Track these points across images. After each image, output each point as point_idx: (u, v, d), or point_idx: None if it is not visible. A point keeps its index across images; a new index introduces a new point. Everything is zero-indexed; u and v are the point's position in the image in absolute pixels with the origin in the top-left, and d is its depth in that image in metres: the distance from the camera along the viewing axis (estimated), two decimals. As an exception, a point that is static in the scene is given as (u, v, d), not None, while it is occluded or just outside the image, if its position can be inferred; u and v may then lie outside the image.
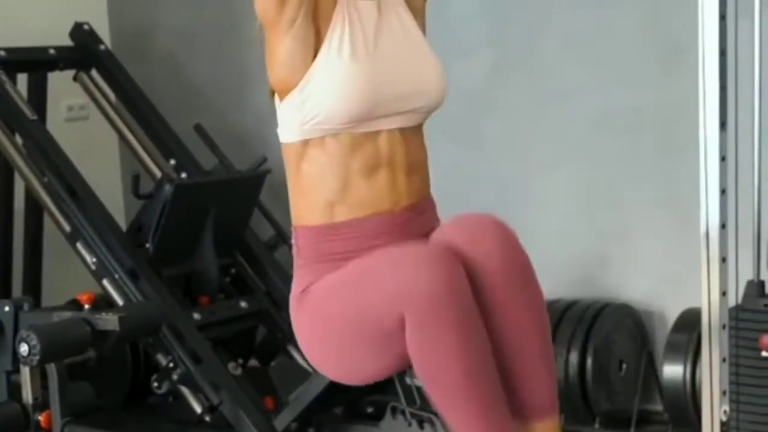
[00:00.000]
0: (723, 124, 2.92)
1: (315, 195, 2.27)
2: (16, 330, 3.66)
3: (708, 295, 2.92)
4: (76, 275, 4.55)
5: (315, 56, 2.21)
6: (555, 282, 4.55)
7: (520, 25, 4.65)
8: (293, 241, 2.36)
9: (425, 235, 2.31)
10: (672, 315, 4.26)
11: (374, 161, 2.25)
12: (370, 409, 4.28)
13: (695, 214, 4.24)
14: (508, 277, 2.19)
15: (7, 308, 3.73)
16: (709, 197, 2.93)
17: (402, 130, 2.29)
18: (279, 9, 2.18)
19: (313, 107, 2.20)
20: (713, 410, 2.93)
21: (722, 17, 2.89)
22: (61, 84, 5.02)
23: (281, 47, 2.20)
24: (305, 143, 2.24)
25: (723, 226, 2.94)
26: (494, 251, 2.19)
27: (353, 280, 2.22)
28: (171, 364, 4.11)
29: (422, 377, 2.15)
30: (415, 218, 2.32)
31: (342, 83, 2.18)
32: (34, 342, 3.41)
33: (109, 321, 3.53)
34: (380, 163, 2.26)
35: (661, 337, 4.37)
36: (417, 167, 2.34)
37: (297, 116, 2.22)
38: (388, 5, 2.33)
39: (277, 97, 2.28)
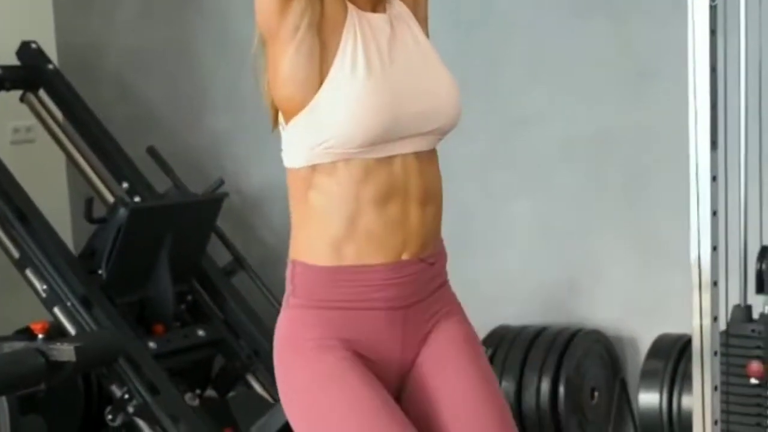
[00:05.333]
0: (714, 143, 2.82)
1: (321, 229, 2.09)
2: (-36, 362, 3.48)
3: (700, 320, 2.81)
4: (26, 304, 4.36)
5: (323, 74, 2.04)
6: (523, 308, 4.45)
7: (483, 48, 4.54)
8: (288, 275, 2.14)
9: (434, 290, 2.18)
10: (643, 341, 4.18)
11: (387, 190, 2.07)
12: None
13: (662, 240, 4.20)
14: None
15: (-46, 339, 3.56)
16: (701, 219, 2.81)
17: (417, 155, 2.12)
18: (281, 16, 2.02)
19: (325, 129, 2.03)
20: (705, 441, 2.81)
21: (713, 32, 2.79)
22: (6, 105, 4.85)
23: (284, 60, 2.04)
24: (313, 169, 2.07)
25: (714, 248, 2.82)
26: None
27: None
28: (126, 396, 3.95)
29: None
30: (426, 269, 2.15)
31: (358, 101, 2.02)
32: (-15, 374, 3.24)
33: (65, 351, 3.38)
34: (394, 193, 2.08)
35: (632, 364, 4.28)
36: (432, 196, 2.15)
37: (306, 139, 2.05)
38: (399, 18, 2.18)
39: (282, 119, 2.11)
